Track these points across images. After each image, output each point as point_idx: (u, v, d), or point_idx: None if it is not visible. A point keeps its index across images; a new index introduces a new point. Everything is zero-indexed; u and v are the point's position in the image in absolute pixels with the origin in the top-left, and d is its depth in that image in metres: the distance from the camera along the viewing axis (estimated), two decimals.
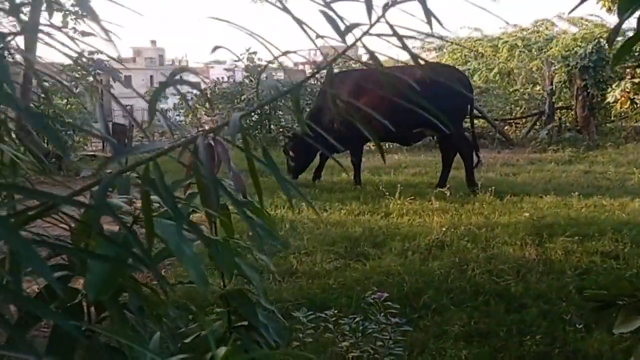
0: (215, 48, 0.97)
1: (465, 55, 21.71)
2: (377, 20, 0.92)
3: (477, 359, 3.29)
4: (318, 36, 1.01)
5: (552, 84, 14.47)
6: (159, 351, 1.16)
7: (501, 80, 19.26)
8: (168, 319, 1.67)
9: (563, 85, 15.06)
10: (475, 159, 7.96)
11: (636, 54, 13.29)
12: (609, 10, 10.39)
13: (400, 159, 11.36)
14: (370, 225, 5.87)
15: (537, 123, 15.24)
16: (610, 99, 13.08)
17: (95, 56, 19.53)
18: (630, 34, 1.97)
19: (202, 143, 0.83)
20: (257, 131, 14.96)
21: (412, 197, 7.02)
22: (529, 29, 21.31)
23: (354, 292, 4.05)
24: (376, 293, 3.15)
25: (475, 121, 16.33)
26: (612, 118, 15.28)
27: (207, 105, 16.82)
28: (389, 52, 1.21)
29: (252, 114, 15.31)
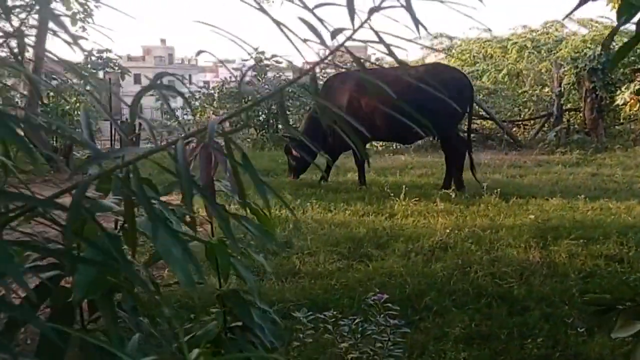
0: (199, 52, 0.98)
1: (474, 57, 21.65)
2: (361, 26, 0.92)
3: None
4: (305, 40, 1.01)
5: (560, 86, 14.41)
6: (137, 352, 1.15)
7: (510, 82, 19.21)
8: (163, 318, 1.68)
9: (572, 87, 14.98)
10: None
11: None
12: None
13: (406, 160, 11.35)
14: (374, 226, 5.87)
15: (546, 125, 15.19)
16: (619, 101, 13.00)
17: (104, 55, 19.67)
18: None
19: (180, 146, 0.83)
20: (264, 131, 14.99)
21: (417, 199, 7.01)
22: (538, 30, 21.25)
23: (355, 293, 4.04)
24: (377, 294, 3.16)
25: (483, 122, 16.39)
26: (621, 120, 15.19)
27: (214, 104, 16.88)
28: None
29: (259, 114, 15.36)
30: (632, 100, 12.75)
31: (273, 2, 12.69)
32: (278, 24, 0.91)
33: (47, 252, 0.90)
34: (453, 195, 7.08)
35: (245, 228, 1.89)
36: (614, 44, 13.45)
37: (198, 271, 0.97)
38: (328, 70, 13.85)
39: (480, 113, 15.93)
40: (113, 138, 14.66)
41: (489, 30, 22.25)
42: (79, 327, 1.46)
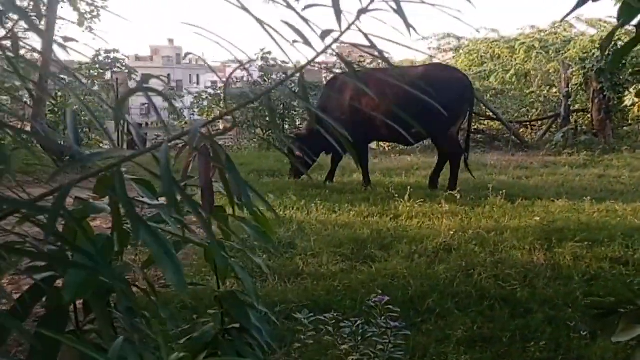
0: (187, 54, 0.98)
1: (481, 57, 21.59)
2: (348, 27, 0.92)
3: None
4: (294, 41, 1.01)
5: (568, 87, 14.35)
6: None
7: (518, 82, 19.14)
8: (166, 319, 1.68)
9: (579, 88, 14.92)
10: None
11: None
12: None
13: (412, 161, 11.33)
14: (378, 227, 5.86)
15: (553, 126, 15.14)
16: (627, 102, 12.93)
17: (112, 55, 19.77)
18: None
19: (165, 149, 0.83)
20: (270, 131, 15.00)
21: (422, 200, 6.99)
22: (546, 31, 21.16)
23: (358, 294, 4.04)
24: (378, 296, 3.15)
25: (490, 123, 16.34)
26: (629, 121, 15.11)
27: (221, 104, 16.91)
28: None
29: (266, 114, 15.36)
30: None
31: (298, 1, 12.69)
32: (261, 22, 0.91)
33: (36, 256, 0.90)
34: (458, 197, 7.06)
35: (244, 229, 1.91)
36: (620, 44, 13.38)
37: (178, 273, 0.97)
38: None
39: (487, 114, 15.89)
40: (120, 138, 14.72)
41: (497, 30, 22.19)
42: (74, 328, 1.47)
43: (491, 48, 21.37)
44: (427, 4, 1.02)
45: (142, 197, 1.42)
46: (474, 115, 16.04)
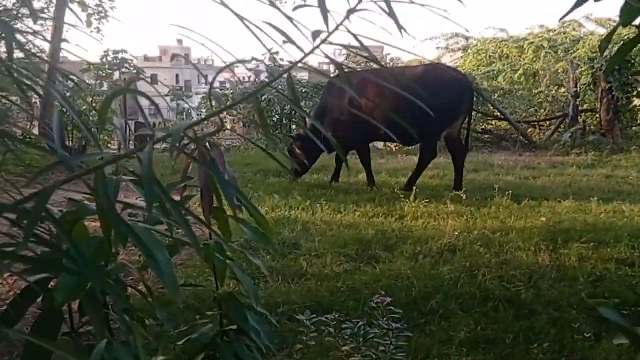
0: (175, 57, 0.98)
1: (490, 57, 21.49)
2: (336, 28, 0.92)
3: None
4: (284, 42, 1.01)
5: (576, 86, 14.27)
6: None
7: (526, 82, 19.05)
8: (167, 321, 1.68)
9: (588, 88, 14.83)
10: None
11: None
12: None
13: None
14: (383, 228, 5.85)
15: (561, 126, 15.06)
16: (636, 102, 12.86)
17: (120, 55, 19.84)
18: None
19: (148, 152, 0.83)
20: (277, 131, 15.02)
21: (427, 200, 6.98)
22: (555, 30, 21.03)
23: (361, 295, 4.03)
24: (380, 297, 3.14)
25: (498, 123, 16.28)
26: (638, 122, 15.01)
27: (229, 104, 16.92)
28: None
29: (273, 114, 15.39)
30: None
31: (286, 2, 12.71)
32: (242, 19, 0.91)
33: (27, 260, 0.91)
34: (464, 197, 7.04)
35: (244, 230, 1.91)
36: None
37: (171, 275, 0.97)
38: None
39: (495, 114, 15.83)
40: (127, 139, 14.76)
41: (505, 30, 22.08)
42: (69, 330, 1.48)
43: (500, 48, 21.26)
44: (417, 4, 1.01)
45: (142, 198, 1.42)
46: (481, 115, 16.14)
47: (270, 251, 4.77)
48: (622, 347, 3.18)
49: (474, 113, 15.98)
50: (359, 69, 10.58)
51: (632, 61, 12.81)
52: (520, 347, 3.44)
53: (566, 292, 4.20)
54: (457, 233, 5.55)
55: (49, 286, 1.33)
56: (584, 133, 13.95)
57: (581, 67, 14.66)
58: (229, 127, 16.77)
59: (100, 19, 12.27)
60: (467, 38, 22.92)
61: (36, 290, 1.22)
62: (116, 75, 20.70)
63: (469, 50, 22.32)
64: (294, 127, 15.35)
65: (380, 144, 13.67)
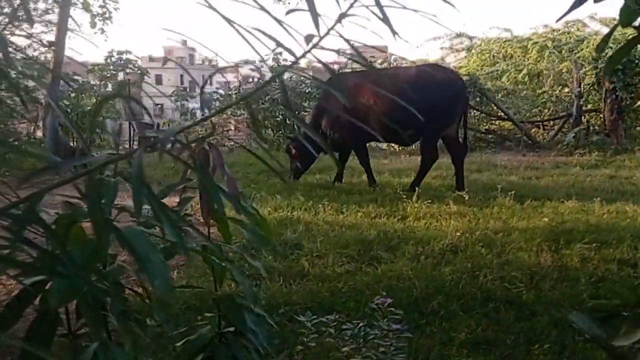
0: (166, 60, 0.99)
1: (494, 57, 21.45)
2: (327, 32, 0.93)
3: None
4: (277, 46, 1.02)
5: (580, 86, 14.24)
6: None
7: (530, 82, 19.01)
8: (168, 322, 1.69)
9: (592, 88, 14.80)
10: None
11: None
12: None
13: None
14: (385, 228, 5.85)
15: (565, 126, 15.03)
16: None
17: (124, 56, 19.91)
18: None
19: (138, 156, 0.84)
20: (280, 132, 15.03)
21: (430, 201, 6.98)
22: (559, 30, 20.97)
23: (363, 296, 4.03)
24: (380, 298, 3.14)
25: (502, 123, 16.26)
26: None
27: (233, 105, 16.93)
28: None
29: (277, 114, 15.39)
30: None
31: (289, 2, 12.75)
32: (229, 21, 0.91)
33: (19, 265, 0.92)
34: (467, 198, 7.03)
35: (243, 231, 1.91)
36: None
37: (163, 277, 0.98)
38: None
39: (499, 114, 15.81)
40: (132, 139, 14.79)
41: (509, 30, 22.03)
42: (66, 332, 1.48)
43: (503, 48, 21.22)
44: (409, 9, 1.02)
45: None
46: (485, 115, 16.12)
47: (272, 252, 4.77)
48: (623, 349, 3.17)
49: (477, 113, 16.07)
50: (358, 70, 10.62)
51: (636, 61, 12.77)
52: (521, 348, 3.43)
53: (567, 292, 4.19)
54: (459, 233, 5.54)
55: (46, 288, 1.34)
56: (587, 133, 13.92)
57: (585, 67, 14.63)
58: (233, 127, 16.79)
59: (104, 20, 12.29)
60: (471, 38, 22.88)
61: (32, 292, 1.22)
62: (120, 75, 20.76)
63: (473, 50, 22.28)
64: (296, 127, 15.34)
65: (383, 144, 13.67)
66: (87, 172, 0.82)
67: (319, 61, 1.02)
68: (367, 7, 1.02)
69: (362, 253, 5.08)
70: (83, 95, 14.25)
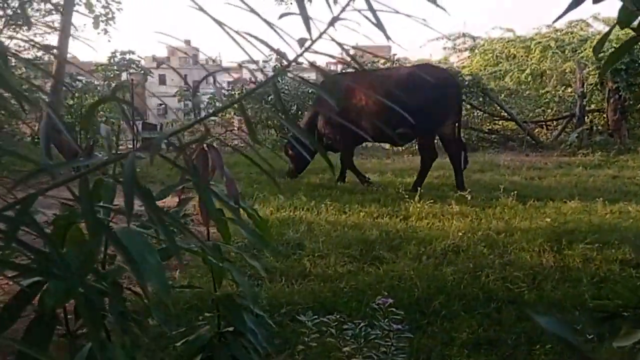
0: (160, 63, 0.99)
1: (497, 57, 21.40)
2: (319, 36, 0.93)
3: None
4: (272, 50, 1.02)
5: (583, 86, 14.20)
6: None
7: (533, 82, 18.96)
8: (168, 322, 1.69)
9: (595, 88, 14.76)
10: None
11: None
12: None
13: None
14: (387, 228, 5.85)
15: (568, 126, 15.00)
16: None
17: (127, 56, 19.94)
18: None
19: (131, 159, 0.84)
20: (282, 130, 15.03)
21: (432, 201, 6.97)
22: (562, 30, 20.92)
23: (364, 296, 4.03)
24: (381, 299, 3.14)
25: (505, 123, 16.23)
26: None
27: (236, 105, 16.94)
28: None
29: (280, 114, 15.39)
30: None
31: (292, 3, 12.74)
32: (220, 23, 0.91)
33: (14, 266, 0.92)
34: (469, 198, 7.02)
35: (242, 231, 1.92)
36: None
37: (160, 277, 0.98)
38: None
39: (502, 114, 15.79)
40: (135, 139, 14.83)
41: (512, 30, 21.99)
42: (65, 332, 1.49)
43: (506, 48, 21.17)
44: (402, 14, 1.02)
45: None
46: (488, 115, 16.09)
47: (273, 252, 4.78)
48: (624, 349, 3.16)
49: (480, 113, 16.04)
50: (351, 71, 10.70)
51: (639, 61, 12.74)
52: (522, 348, 3.44)
53: (569, 293, 4.19)
54: (461, 233, 5.54)
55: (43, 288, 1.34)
56: (590, 133, 13.89)
57: (588, 67, 14.58)
58: (236, 126, 16.78)
59: (107, 20, 12.32)
60: (474, 38, 22.85)
61: (29, 293, 1.23)
62: (124, 76, 20.80)
63: (476, 50, 22.24)
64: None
65: (386, 144, 13.66)
66: (80, 175, 0.82)
67: (311, 64, 1.02)
68: (359, 11, 1.02)
69: (364, 253, 5.08)
70: (87, 95, 14.27)
